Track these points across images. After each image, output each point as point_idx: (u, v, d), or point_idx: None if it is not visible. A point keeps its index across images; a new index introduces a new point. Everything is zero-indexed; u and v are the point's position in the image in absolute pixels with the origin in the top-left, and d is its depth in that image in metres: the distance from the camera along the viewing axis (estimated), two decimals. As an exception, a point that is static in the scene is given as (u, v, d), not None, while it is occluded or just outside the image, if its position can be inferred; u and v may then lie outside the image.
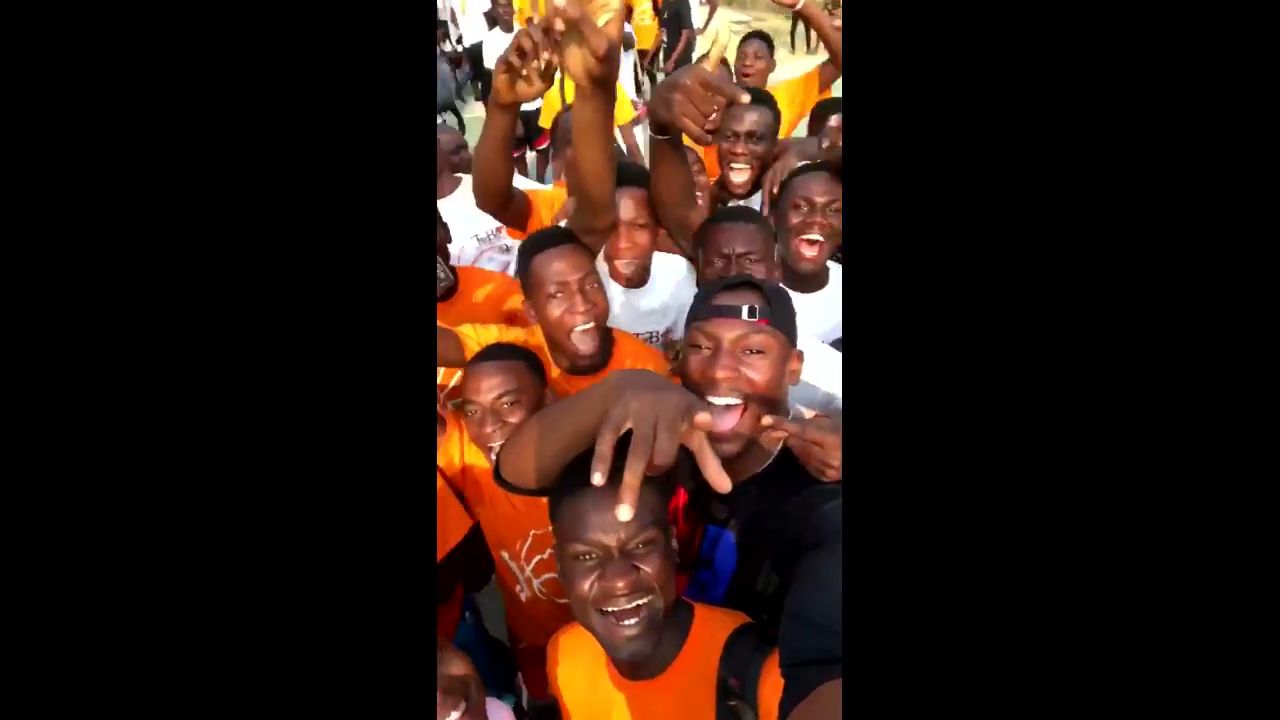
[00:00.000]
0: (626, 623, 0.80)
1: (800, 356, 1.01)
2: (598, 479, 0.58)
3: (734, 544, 0.99)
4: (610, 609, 0.80)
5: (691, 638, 0.87)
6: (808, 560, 0.80)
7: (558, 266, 1.33)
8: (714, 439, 0.91)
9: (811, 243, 1.53)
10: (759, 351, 0.94)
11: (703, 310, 0.97)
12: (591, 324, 1.35)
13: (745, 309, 0.94)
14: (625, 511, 0.56)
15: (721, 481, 0.59)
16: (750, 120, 1.87)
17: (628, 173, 1.49)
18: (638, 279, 1.63)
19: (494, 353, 1.31)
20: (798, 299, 1.48)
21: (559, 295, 1.33)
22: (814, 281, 1.59)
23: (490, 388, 1.25)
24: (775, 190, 1.69)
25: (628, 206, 1.50)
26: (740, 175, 1.91)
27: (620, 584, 0.79)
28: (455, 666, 0.89)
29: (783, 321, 0.97)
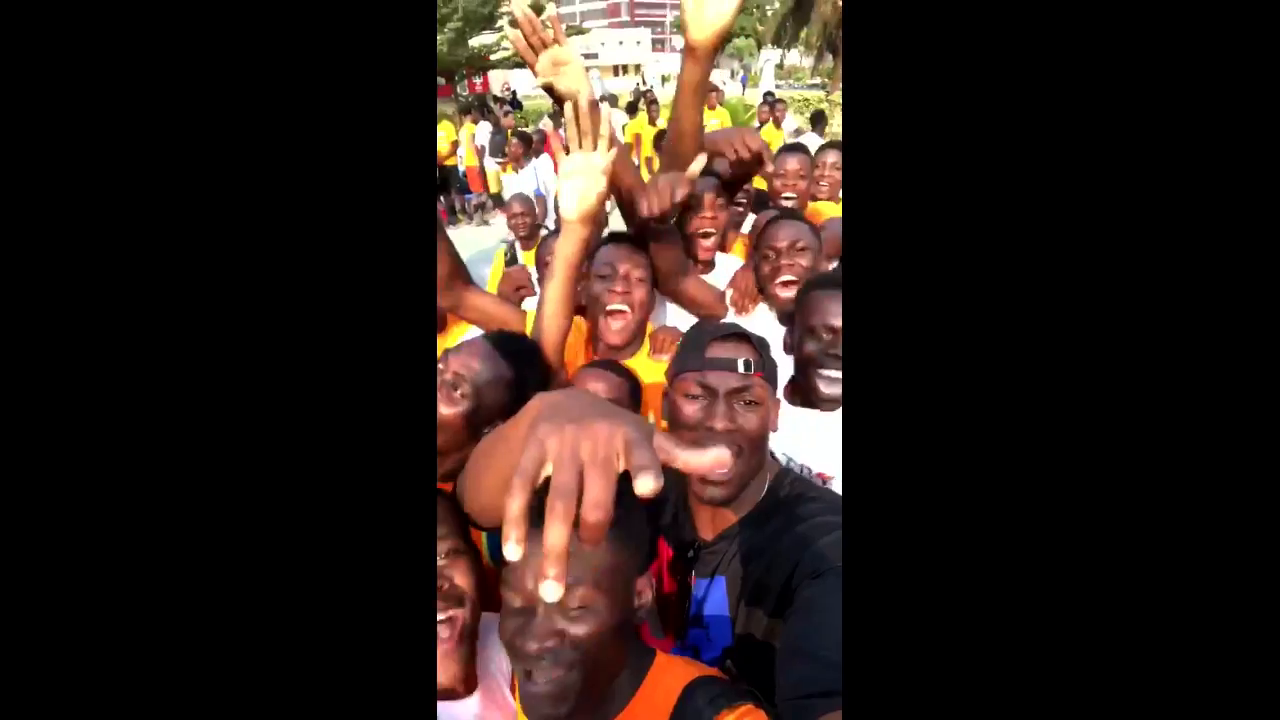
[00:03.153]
0: (537, 679, 0.71)
1: (778, 404, 1.02)
2: (510, 551, 0.43)
3: (725, 593, 0.97)
4: (522, 666, 0.72)
5: (645, 686, 0.78)
6: (806, 593, 0.79)
7: (614, 254, 1.49)
8: (706, 485, 0.93)
9: (787, 284, 1.57)
10: (753, 403, 0.95)
11: (696, 361, 0.97)
12: (625, 308, 1.46)
13: (741, 362, 0.95)
14: (552, 589, 0.43)
15: (653, 484, 0.45)
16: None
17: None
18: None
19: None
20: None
21: (606, 277, 1.48)
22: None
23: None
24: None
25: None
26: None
27: (534, 646, 0.69)
28: (459, 577, 0.86)
29: (770, 372, 0.99)
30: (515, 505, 0.45)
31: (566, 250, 1.26)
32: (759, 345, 0.99)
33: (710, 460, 0.49)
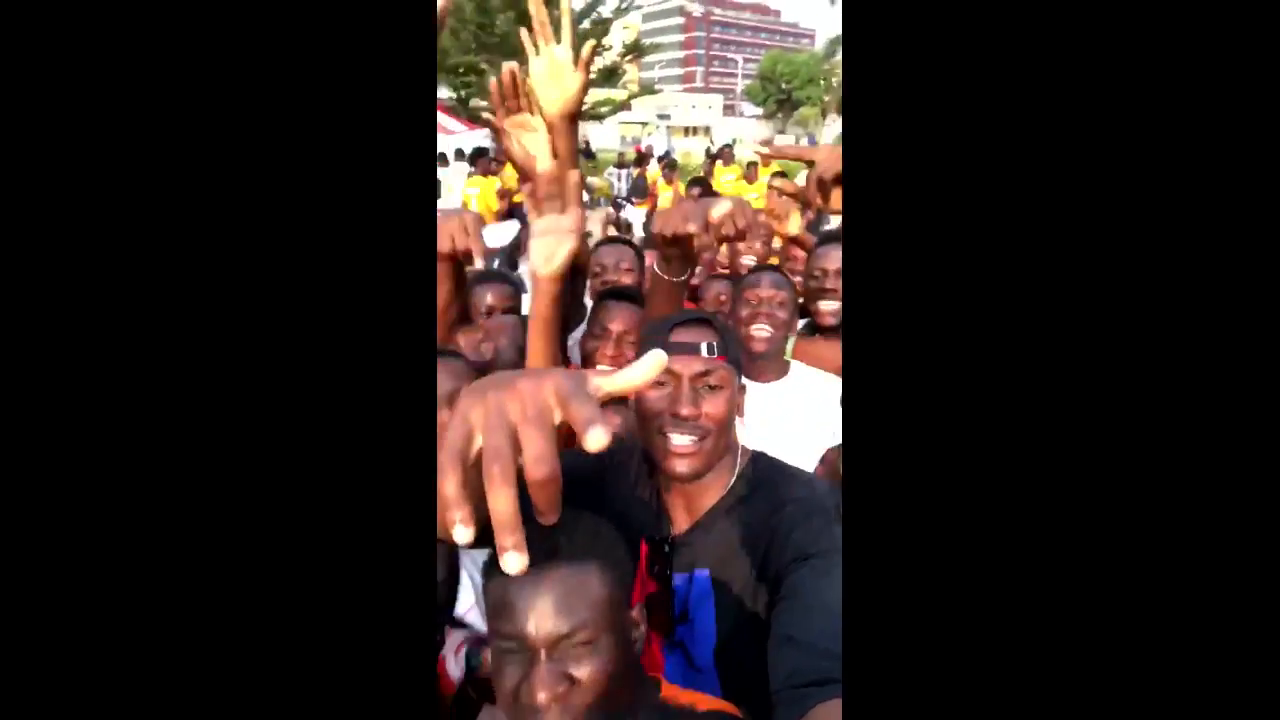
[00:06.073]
0: None
1: (744, 389, 1.04)
2: (460, 535, 0.41)
3: (709, 585, 0.97)
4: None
5: None
6: (794, 579, 0.79)
7: (607, 312, 1.60)
8: (672, 459, 0.95)
9: (760, 329, 1.74)
10: (717, 387, 0.97)
11: (659, 345, 0.91)
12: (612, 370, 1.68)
13: (705, 346, 0.96)
14: (513, 560, 0.41)
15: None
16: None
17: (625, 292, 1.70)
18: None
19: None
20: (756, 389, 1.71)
21: (597, 336, 1.58)
22: (771, 370, 1.76)
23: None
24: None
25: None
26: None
27: (543, 696, 0.66)
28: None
29: (735, 355, 1.01)
30: (449, 486, 0.42)
31: (540, 307, 1.24)
32: (721, 330, 1.00)
33: (650, 367, 0.47)
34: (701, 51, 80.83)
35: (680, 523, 1.02)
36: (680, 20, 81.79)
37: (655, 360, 0.46)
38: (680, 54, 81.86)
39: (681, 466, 0.96)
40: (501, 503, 0.40)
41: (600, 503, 1.01)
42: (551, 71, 1.31)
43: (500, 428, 0.42)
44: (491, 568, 0.74)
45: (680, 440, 0.95)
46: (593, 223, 2.18)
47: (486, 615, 0.74)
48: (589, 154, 13.49)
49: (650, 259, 2.04)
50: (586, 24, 13.36)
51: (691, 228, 1.13)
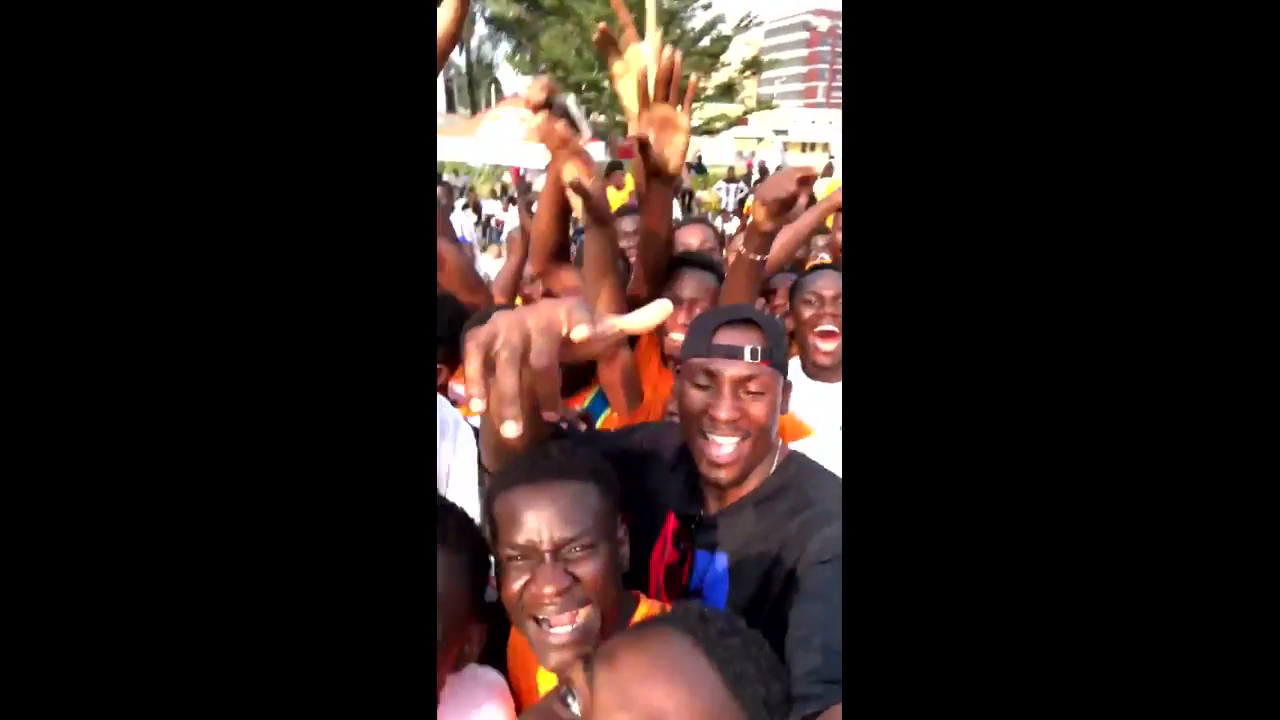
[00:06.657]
0: (555, 630, 0.77)
1: (789, 386, 1.03)
2: (474, 404, 0.50)
3: (726, 568, 0.99)
4: (540, 615, 0.78)
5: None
6: (814, 579, 0.82)
7: (683, 280, 1.56)
8: (712, 467, 0.97)
9: (826, 334, 1.66)
10: (759, 393, 0.96)
11: (703, 346, 0.97)
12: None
13: (749, 351, 0.95)
14: (511, 428, 0.48)
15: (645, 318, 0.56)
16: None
17: (699, 258, 1.67)
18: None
19: None
20: (821, 389, 1.68)
21: (673, 301, 1.46)
22: (837, 372, 1.68)
23: None
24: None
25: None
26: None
27: (549, 589, 0.76)
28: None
29: (779, 358, 0.99)
30: (471, 365, 0.51)
31: (595, 250, 1.29)
32: (769, 331, 0.98)
33: (655, 314, 0.55)
34: (825, 66, 79.23)
35: (711, 505, 1.05)
36: (805, 35, 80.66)
37: (660, 308, 0.56)
38: (803, 69, 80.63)
39: (718, 474, 0.97)
40: (505, 380, 0.50)
41: (641, 477, 1.08)
42: (632, 63, 1.35)
43: (515, 329, 0.53)
44: (495, 489, 0.84)
45: (720, 442, 0.96)
46: (692, 235, 2.11)
47: (492, 534, 0.83)
48: (700, 169, 13.60)
49: (730, 244, 2.03)
50: (707, 41, 13.48)
51: (794, 186, 1.25)
